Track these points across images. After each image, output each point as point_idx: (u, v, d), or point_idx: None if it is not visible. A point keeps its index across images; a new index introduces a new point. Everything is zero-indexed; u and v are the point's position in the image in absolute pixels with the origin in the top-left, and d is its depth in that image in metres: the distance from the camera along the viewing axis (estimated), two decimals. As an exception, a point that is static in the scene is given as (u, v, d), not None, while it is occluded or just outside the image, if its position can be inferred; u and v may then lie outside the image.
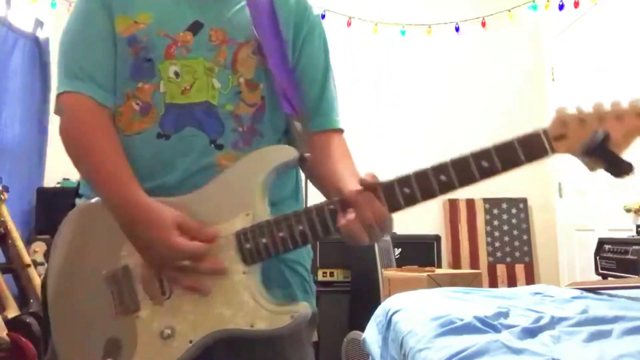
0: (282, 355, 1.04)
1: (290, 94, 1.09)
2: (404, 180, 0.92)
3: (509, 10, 4.28)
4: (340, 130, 1.18)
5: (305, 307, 0.95)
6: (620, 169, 0.87)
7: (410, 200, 0.92)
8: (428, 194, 0.92)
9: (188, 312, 0.96)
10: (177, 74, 1.05)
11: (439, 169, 0.91)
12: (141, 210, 0.97)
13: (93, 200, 1.05)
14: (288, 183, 1.13)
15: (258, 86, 1.09)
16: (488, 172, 0.91)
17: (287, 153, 1.02)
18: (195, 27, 1.07)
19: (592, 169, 0.89)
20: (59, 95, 1.07)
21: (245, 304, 0.95)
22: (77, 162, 1.04)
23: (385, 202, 0.92)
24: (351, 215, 0.91)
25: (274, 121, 1.11)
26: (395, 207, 0.92)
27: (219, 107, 1.05)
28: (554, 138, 0.90)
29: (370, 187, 0.92)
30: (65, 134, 1.05)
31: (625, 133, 0.87)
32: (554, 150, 0.90)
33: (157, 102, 1.05)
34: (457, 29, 4.33)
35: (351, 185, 0.97)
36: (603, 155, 0.87)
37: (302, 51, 1.16)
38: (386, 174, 0.95)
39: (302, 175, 1.14)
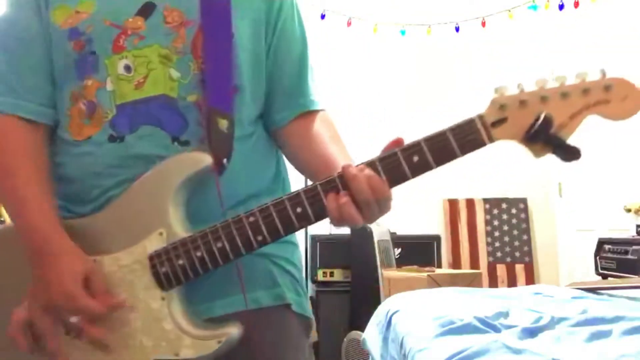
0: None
1: (224, 89, 0.94)
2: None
3: (509, 10, 4.27)
4: (318, 111, 1.04)
5: (233, 328, 0.86)
6: (567, 154, 0.76)
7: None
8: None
9: (106, 346, 0.87)
10: (128, 68, 0.92)
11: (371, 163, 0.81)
12: (52, 244, 0.87)
13: (2, 226, 0.96)
14: (266, 172, 1.02)
15: None
16: (419, 168, 0.80)
17: (197, 161, 0.88)
18: (147, 10, 0.93)
19: (537, 155, 0.78)
20: None
21: (167, 332, 0.86)
22: None
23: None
24: (343, 196, 0.80)
25: (243, 111, 0.98)
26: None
27: (179, 99, 0.92)
28: (492, 124, 0.79)
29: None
30: None
31: (572, 114, 0.76)
32: (491, 139, 0.79)
33: (103, 102, 0.92)
34: (457, 29, 4.33)
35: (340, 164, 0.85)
36: (548, 140, 0.76)
37: (275, 30, 1.01)
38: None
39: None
